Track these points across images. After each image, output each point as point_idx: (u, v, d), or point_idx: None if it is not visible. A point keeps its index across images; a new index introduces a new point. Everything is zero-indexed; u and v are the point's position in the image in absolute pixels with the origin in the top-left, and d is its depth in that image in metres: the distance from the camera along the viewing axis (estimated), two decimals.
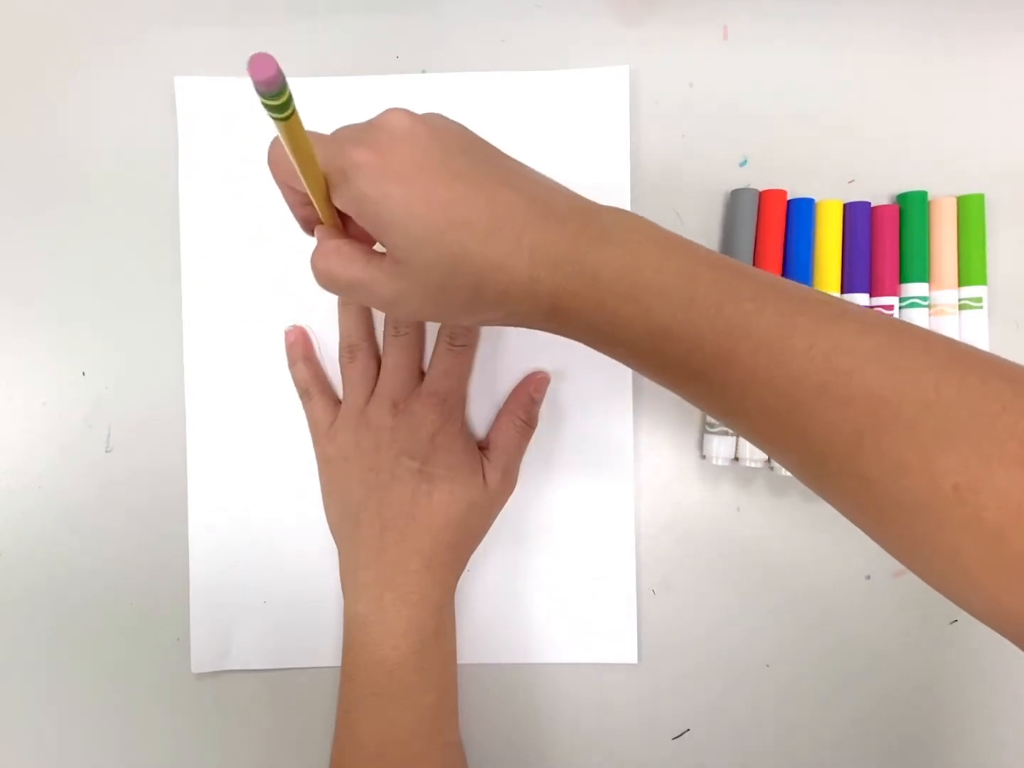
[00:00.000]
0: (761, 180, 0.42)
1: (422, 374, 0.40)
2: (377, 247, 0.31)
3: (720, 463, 0.41)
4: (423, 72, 0.42)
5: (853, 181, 0.42)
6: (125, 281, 0.42)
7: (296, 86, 0.42)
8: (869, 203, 0.41)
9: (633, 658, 0.42)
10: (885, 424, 0.24)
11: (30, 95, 0.43)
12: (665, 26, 0.43)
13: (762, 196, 0.41)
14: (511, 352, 0.42)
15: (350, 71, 0.42)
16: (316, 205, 0.31)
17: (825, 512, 0.42)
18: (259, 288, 0.42)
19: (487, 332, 0.42)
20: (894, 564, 0.42)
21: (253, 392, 0.42)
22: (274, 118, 0.24)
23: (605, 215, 0.29)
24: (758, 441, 0.29)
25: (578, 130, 0.42)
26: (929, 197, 0.41)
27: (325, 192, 0.30)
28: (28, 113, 0.43)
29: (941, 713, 0.42)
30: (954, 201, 0.41)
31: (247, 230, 0.42)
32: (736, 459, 0.41)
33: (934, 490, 0.24)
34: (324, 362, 0.42)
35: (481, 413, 0.42)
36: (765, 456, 0.41)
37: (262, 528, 0.42)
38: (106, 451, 0.42)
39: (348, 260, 0.30)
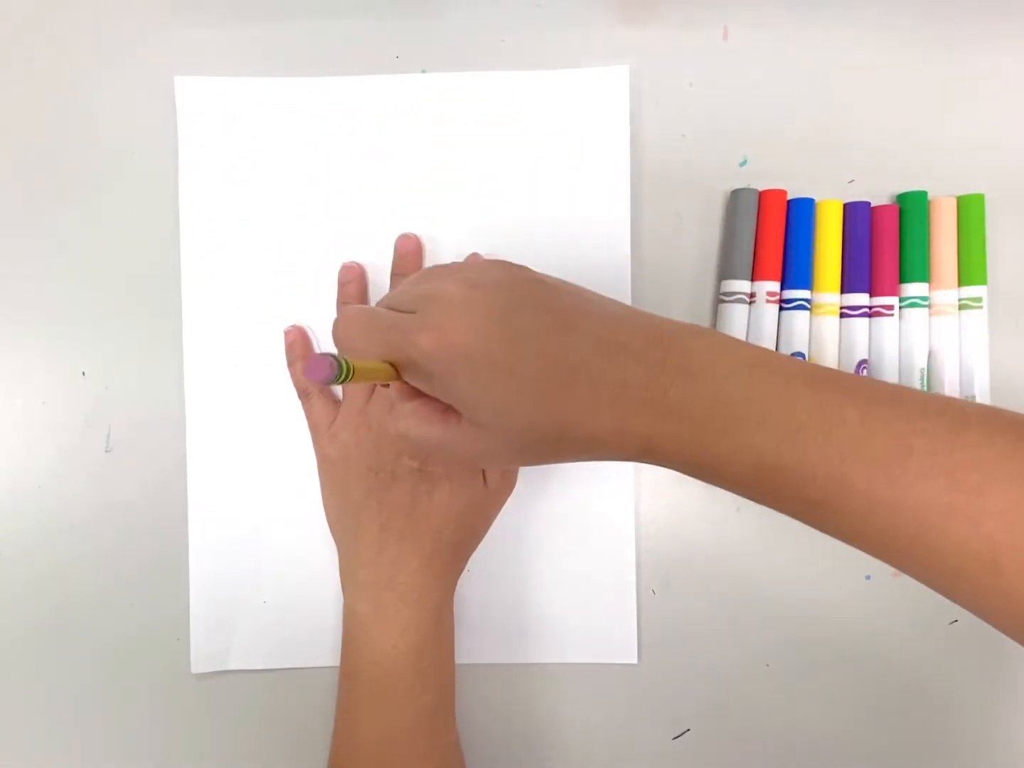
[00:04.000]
0: (761, 180, 0.42)
1: None
2: None
3: None
4: (423, 72, 0.42)
5: (853, 181, 0.42)
6: (125, 281, 0.42)
7: (296, 86, 0.42)
8: (869, 203, 0.41)
9: (633, 658, 0.42)
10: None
11: (30, 95, 0.43)
12: (665, 26, 0.43)
13: (762, 196, 0.41)
14: None
15: (350, 71, 0.42)
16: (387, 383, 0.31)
17: None
18: (259, 288, 0.42)
19: None
20: None
21: (253, 392, 0.42)
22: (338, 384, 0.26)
23: (683, 339, 0.28)
24: (886, 560, 0.28)
25: (578, 130, 0.42)
26: (929, 197, 0.41)
27: (396, 373, 0.29)
28: (28, 113, 0.43)
29: (941, 713, 0.42)
30: (954, 201, 0.41)
31: (247, 230, 0.42)
32: None
33: None
34: None
35: None
36: None
37: (262, 528, 0.42)
38: (106, 451, 0.42)
39: (426, 424, 0.29)
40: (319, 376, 0.25)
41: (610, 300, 0.29)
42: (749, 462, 0.26)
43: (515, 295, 0.28)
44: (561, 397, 0.26)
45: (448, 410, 0.29)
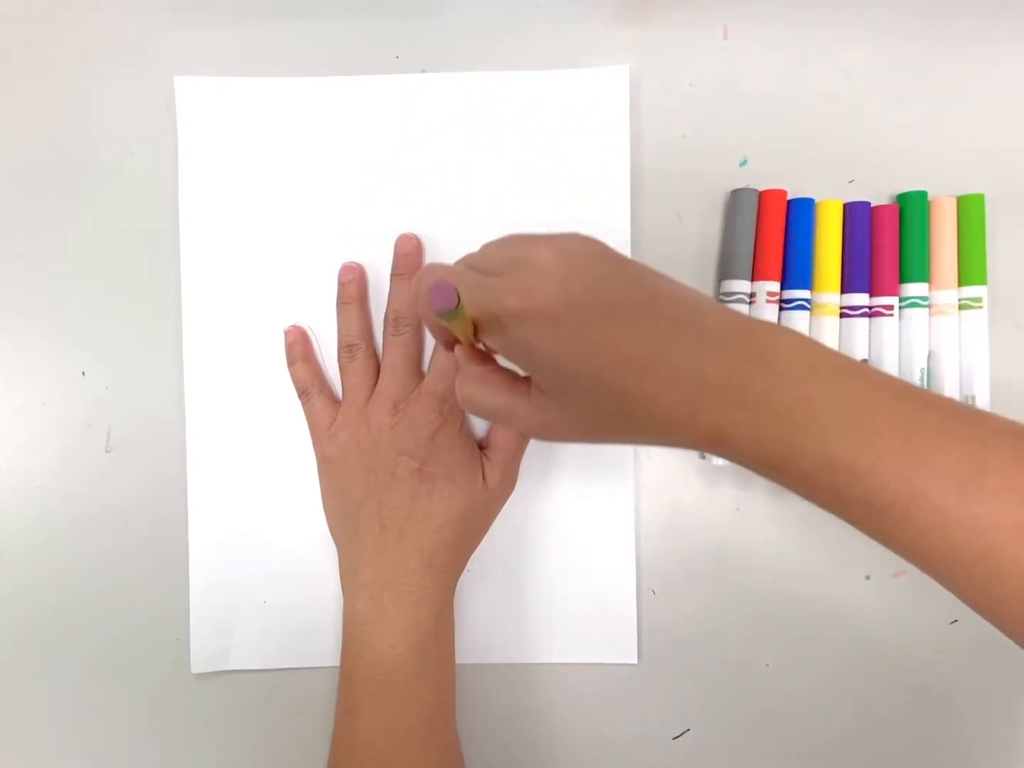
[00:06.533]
0: (761, 180, 0.42)
1: (422, 374, 0.40)
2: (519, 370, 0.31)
3: (720, 463, 0.41)
4: (423, 72, 0.42)
5: (853, 181, 0.42)
6: (125, 281, 0.42)
7: (296, 86, 0.42)
8: (869, 203, 0.41)
9: (633, 658, 0.42)
10: None
11: (30, 95, 0.43)
12: (665, 26, 0.43)
13: (762, 196, 0.41)
14: None
15: (350, 71, 0.42)
16: (461, 340, 0.31)
17: (825, 512, 0.42)
18: (259, 288, 0.42)
19: None
20: (894, 564, 0.42)
21: (253, 392, 0.42)
22: (446, 323, 0.28)
23: (762, 333, 0.28)
24: (942, 579, 0.27)
25: (578, 130, 0.42)
26: (929, 197, 0.41)
27: (473, 333, 0.29)
28: (28, 113, 0.43)
29: (941, 713, 0.42)
30: (954, 201, 0.41)
31: (247, 230, 0.42)
32: None
33: None
34: (324, 362, 0.42)
35: None
36: None
37: (262, 528, 0.42)
38: (106, 451, 0.42)
39: (493, 389, 0.30)
40: (443, 303, 0.25)
41: (686, 285, 0.29)
42: (823, 461, 0.26)
43: (607, 269, 0.28)
44: (641, 377, 0.26)
45: (516, 378, 0.30)
